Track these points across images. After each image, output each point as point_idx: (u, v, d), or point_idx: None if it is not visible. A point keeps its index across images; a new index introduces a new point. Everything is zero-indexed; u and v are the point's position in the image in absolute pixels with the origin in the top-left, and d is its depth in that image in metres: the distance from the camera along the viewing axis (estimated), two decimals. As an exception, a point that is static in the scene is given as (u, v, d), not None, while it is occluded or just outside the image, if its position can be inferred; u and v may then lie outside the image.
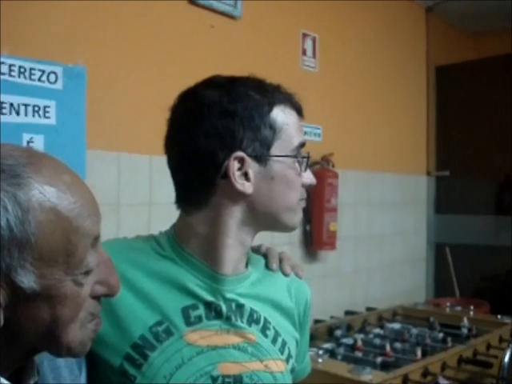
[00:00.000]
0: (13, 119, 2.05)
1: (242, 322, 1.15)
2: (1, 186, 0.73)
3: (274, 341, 1.19)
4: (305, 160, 1.18)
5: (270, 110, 1.13)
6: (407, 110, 4.25)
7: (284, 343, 1.21)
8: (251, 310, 1.17)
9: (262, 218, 1.17)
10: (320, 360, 2.42)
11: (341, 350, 2.75)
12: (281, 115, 1.14)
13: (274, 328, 1.20)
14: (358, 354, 2.75)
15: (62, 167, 0.82)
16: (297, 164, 1.16)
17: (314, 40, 3.39)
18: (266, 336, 1.17)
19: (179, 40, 2.65)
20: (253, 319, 1.17)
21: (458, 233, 4.32)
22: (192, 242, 1.16)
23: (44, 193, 0.75)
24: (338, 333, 3.02)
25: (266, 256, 1.31)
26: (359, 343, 2.84)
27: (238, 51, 2.88)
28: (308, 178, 1.20)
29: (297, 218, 1.20)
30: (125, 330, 1.08)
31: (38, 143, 2.11)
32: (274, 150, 1.13)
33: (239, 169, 1.11)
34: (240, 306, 1.16)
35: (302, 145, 1.18)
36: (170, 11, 2.60)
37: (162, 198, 2.43)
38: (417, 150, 4.40)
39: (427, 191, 4.49)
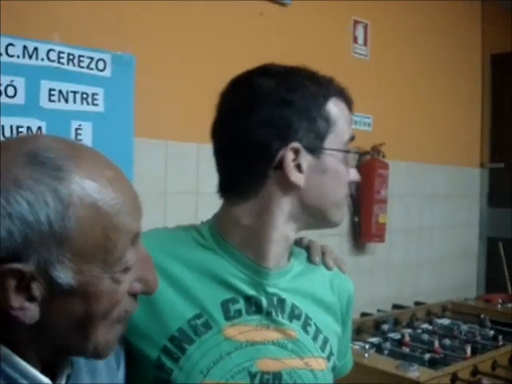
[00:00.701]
0: (61, 106, 2.06)
1: (283, 317, 1.12)
2: (42, 179, 0.71)
3: (315, 338, 1.15)
4: (354, 155, 1.18)
5: (326, 101, 1.11)
6: (461, 100, 4.13)
7: (325, 340, 1.17)
8: (292, 305, 1.14)
9: (311, 212, 1.13)
10: (366, 355, 2.38)
11: (388, 345, 2.70)
12: (335, 108, 1.11)
13: (315, 324, 1.16)
14: (406, 350, 2.70)
15: (104, 161, 0.80)
16: (345, 157, 1.14)
17: (365, 27, 3.32)
18: (306, 333, 1.14)
19: (228, 27, 2.62)
20: (294, 315, 1.13)
21: (511, 227, 4.19)
22: (235, 233, 1.13)
23: (85, 187, 0.73)
24: (385, 327, 2.97)
25: (307, 249, 1.27)
26: (407, 338, 2.79)
27: (287, 38, 2.84)
28: (353, 173, 1.18)
29: (342, 213, 1.18)
30: (163, 322, 1.07)
31: (86, 130, 2.11)
32: (328, 143, 1.11)
33: (293, 160, 1.08)
34: (281, 301, 1.13)
35: (352, 139, 1.16)
36: (218, -1, 2.58)
37: (209, 187, 2.36)
38: (470, 141, 4.27)
39: (480, 184, 4.36)
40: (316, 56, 2.83)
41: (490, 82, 4.40)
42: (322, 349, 1.16)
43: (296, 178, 1.09)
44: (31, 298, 0.72)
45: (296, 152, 1.08)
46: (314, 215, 1.15)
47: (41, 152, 0.73)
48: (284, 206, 1.12)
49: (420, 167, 3.74)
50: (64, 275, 0.72)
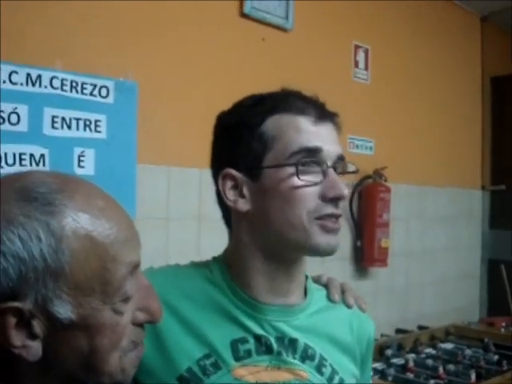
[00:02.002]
0: (64, 133, 2.06)
1: (295, 358, 1.08)
2: (34, 215, 0.71)
3: (331, 379, 1.11)
4: (311, 167, 1.04)
5: (262, 121, 1.06)
6: (461, 123, 4.14)
7: (341, 382, 1.12)
8: (305, 345, 1.10)
9: (267, 238, 1.08)
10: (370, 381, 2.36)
11: (391, 371, 2.68)
12: (274, 125, 1.06)
13: (330, 365, 1.12)
14: (410, 376, 2.68)
15: (95, 192, 0.80)
16: (294, 171, 1.03)
17: (366, 52, 3.33)
18: (321, 374, 1.10)
19: (230, 53, 2.63)
20: (307, 355, 1.09)
21: (513, 249, 4.18)
22: (235, 269, 1.12)
23: (78, 220, 0.73)
24: (389, 352, 2.94)
25: (326, 286, 1.23)
26: (411, 364, 2.77)
27: (289, 64, 2.85)
28: (332, 187, 1.04)
29: (315, 238, 1.03)
30: (171, 361, 1.05)
31: (89, 157, 2.11)
32: (266, 163, 1.05)
33: (234, 187, 1.08)
34: (293, 341, 1.09)
35: (309, 150, 1.04)
36: (220, 24, 2.59)
37: (211, 212, 2.37)
38: (471, 164, 4.28)
39: (482, 206, 4.35)
40: (317, 80, 2.84)
41: (490, 105, 4.42)
42: None
43: (235, 203, 1.08)
44: (33, 336, 0.72)
45: (233, 178, 1.07)
46: (274, 242, 1.07)
47: (32, 187, 0.73)
48: (242, 235, 1.10)
49: (421, 190, 3.74)
50: (63, 310, 0.72)
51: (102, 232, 0.75)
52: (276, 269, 1.09)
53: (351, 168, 1.15)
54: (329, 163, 1.05)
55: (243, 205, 1.07)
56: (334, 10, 3.12)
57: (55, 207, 0.72)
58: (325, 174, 1.05)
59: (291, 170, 1.03)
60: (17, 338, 0.71)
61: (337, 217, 1.06)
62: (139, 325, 0.82)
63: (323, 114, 1.08)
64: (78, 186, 0.78)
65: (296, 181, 1.03)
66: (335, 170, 1.07)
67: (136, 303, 0.81)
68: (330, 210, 1.04)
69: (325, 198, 1.04)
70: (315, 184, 1.04)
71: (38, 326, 0.71)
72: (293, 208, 1.03)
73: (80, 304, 0.73)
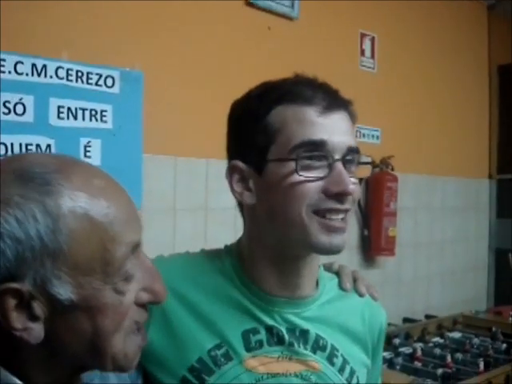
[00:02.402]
0: (70, 123, 2.06)
1: (306, 348, 1.07)
2: (30, 195, 0.70)
3: (342, 369, 1.10)
4: (312, 162, 0.99)
5: (267, 112, 1.03)
6: (469, 112, 4.12)
7: (352, 372, 1.11)
8: (317, 336, 1.09)
9: (272, 234, 1.05)
10: (379, 371, 2.36)
11: (399, 360, 2.67)
12: (277, 116, 1.02)
13: (342, 356, 1.11)
14: (418, 365, 2.68)
15: (94, 172, 0.79)
16: (294, 166, 0.99)
17: (372, 40, 3.31)
18: (332, 364, 1.09)
19: (236, 42, 2.62)
20: (318, 346, 1.08)
21: (521, 238, 4.16)
22: (244, 259, 1.11)
23: (75, 199, 0.72)
24: (397, 341, 2.94)
25: (338, 275, 1.21)
26: (418, 353, 2.77)
27: (295, 52, 2.83)
28: (336, 182, 0.99)
29: (316, 236, 1.00)
30: (182, 351, 1.04)
31: (95, 147, 2.11)
32: (270, 156, 1.02)
33: (241, 179, 1.06)
34: (304, 332, 1.08)
35: (312, 144, 0.99)
36: (226, 14, 2.58)
37: (218, 203, 2.39)
38: (479, 153, 4.25)
39: (489, 195, 4.33)
40: (323, 69, 2.81)
41: (497, 93, 4.39)
42: (349, 380, 1.10)
43: (241, 196, 1.06)
44: (34, 318, 0.71)
45: (240, 171, 1.06)
46: (281, 239, 1.05)
47: (29, 168, 0.73)
48: (255, 229, 1.09)
49: (429, 179, 3.72)
50: (63, 290, 0.71)
51: (101, 211, 0.74)
52: (284, 264, 1.08)
53: (366, 159, 1.10)
54: (336, 156, 1.00)
55: (249, 198, 1.06)
56: (340, -2, 3.11)
57: (52, 187, 0.72)
58: (331, 167, 0.99)
59: (293, 164, 0.99)
60: (17, 321, 0.70)
61: (339, 212, 1.01)
62: (142, 305, 0.81)
63: (333, 102, 1.02)
64: (75, 167, 0.77)
65: (296, 177, 0.99)
66: (346, 162, 1.01)
67: (139, 283, 0.80)
68: (332, 205, 0.99)
69: (328, 193, 0.99)
70: (319, 179, 0.99)
71: (38, 308, 0.71)
72: (293, 204, 1.00)
73: (80, 284, 0.72)
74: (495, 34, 4.36)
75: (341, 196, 0.99)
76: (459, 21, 4.03)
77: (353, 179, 1.02)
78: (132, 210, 0.80)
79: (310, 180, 0.99)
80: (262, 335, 1.06)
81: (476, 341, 3.05)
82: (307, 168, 0.99)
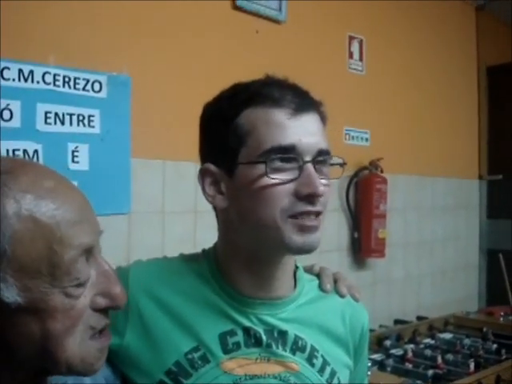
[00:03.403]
0: (58, 129, 2.05)
1: (285, 349, 1.07)
2: None
3: (322, 370, 1.10)
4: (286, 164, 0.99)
5: (237, 113, 1.03)
6: (458, 113, 4.13)
7: (333, 373, 1.11)
8: (296, 336, 1.09)
9: (245, 237, 1.05)
10: (369, 372, 2.35)
11: (390, 362, 2.67)
12: (249, 118, 1.02)
13: (322, 356, 1.11)
14: (409, 366, 2.67)
15: (45, 174, 0.78)
16: (265, 169, 0.98)
17: (360, 42, 3.32)
18: (312, 365, 1.09)
19: (224, 46, 2.62)
20: (297, 347, 1.08)
21: (511, 238, 4.17)
22: (219, 262, 1.11)
23: (20, 200, 0.72)
24: (388, 343, 2.94)
25: (319, 276, 1.21)
26: (409, 354, 2.77)
27: (283, 56, 2.84)
28: (306, 184, 0.99)
29: (290, 237, 0.99)
30: (159, 355, 1.04)
31: (83, 152, 2.11)
32: (240, 159, 1.02)
33: (213, 182, 1.06)
34: (282, 333, 1.08)
35: (281, 148, 0.99)
36: (213, 17, 2.58)
37: (207, 206, 2.37)
38: (468, 154, 4.27)
39: (479, 195, 4.35)
40: (312, 72, 2.84)
41: (486, 94, 4.41)
42: (329, 381, 1.10)
43: (212, 199, 1.06)
44: None
45: (212, 174, 1.05)
46: (254, 242, 1.04)
47: None
48: (229, 232, 1.09)
49: (418, 180, 3.74)
50: (9, 293, 0.70)
51: (46, 212, 0.73)
52: (258, 266, 1.07)
53: (337, 160, 1.08)
54: (307, 158, 1.00)
55: (221, 202, 1.05)
56: (327, 1, 3.11)
57: None
58: (301, 169, 0.99)
59: (263, 167, 0.98)
60: None
61: (313, 214, 1.01)
62: (100, 310, 0.80)
63: (302, 104, 1.02)
64: (26, 168, 0.76)
65: (266, 180, 0.99)
66: (317, 164, 1.01)
67: (95, 288, 0.79)
68: (303, 207, 0.99)
69: (299, 196, 0.99)
70: (289, 181, 0.99)
71: None
72: (265, 207, 0.99)
73: (27, 287, 0.71)
74: (484, 34, 4.38)
75: (311, 197, 0.99)
76: (448, 22, 4.05)
77: (324, 181, 1.02)
78: (85, 212, 0.79)
79: (280, 183, 0.99)
80: (240, 337, 1.05)
81: (467, 341, 3.06)
82: (278, 170, 0.99)
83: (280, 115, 1.00)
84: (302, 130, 1.00)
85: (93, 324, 0.79)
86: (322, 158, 1.02)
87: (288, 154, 0.99)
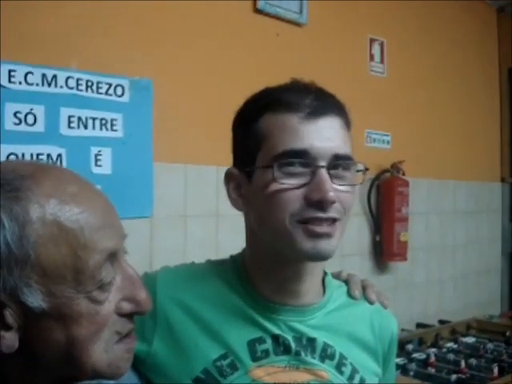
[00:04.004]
0: (81, 133, 2.06)
1: (314, 357, 1.06)
2: None
3: (351, 378, 1.08)
4: (293, 169, 0.98)
5: (257, 118, 1.03)
6: (479, 115, 4.10)
7: (362, 381, 1.09)
8: (324, 344, 1.07)
9: (263, 240, 1.05)
10: (393, 377, 2.34)
11: (413, 366, 2.65)
12: (266, 123, 1.01)
13: (351, 364, 1.09)
14: (431, 371, 2.65)
15: (68, 178, 0.77)
16: (279, 174, 0.97)
17: (381, 45, 3.30)
18: (341, 373, 1.07)
19: (245, 49, 2.62)
20: (326, 354, 1.07)
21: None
22: (247, 268, 1.11)
23: (44, 205, 0.71)
24: (410, 347, 2.92)
25: (347, 283, 1.20)
26: (432, 358, 2.74)
27: (304, 58, 2.83)
28: (316, 190, 0.96)
29: (300, 243, 0.98)
30: (187, 362, 1.03)
31: (106, 156, 2.12)
32: (257, 163, 1.02)
33: (237, 186, 1.07)
34: (311, 340, 1.07)
35: (293, 153, 0.98)
36: (235, 21, 2.58)
37: (229, 209, 2.36)
38: (490, 156, 4.23)
39: (501, 198, 4.31)
40: (333, 75, 2.83)
41: (507, 96, 4.37)
42: None
43: (235, 202, 1.07)
44: (6, 326, 0.70)
45: (235, 178, 1.06)
46: (268, 244, 1.04)
47: (1, 175, 0.72)
48: (252, 237, 1.09)
49: (440, 184, 3.71)
50: (33, 298, 0.70)
51: (71, 217, 0.72)
52: (282, 271, 1.06)
53: (359, 167, 1.05)
54: (321, 163, 0.98)
55: (242, 205, 1.06)
56: (348, 3, 3.10)
57: (20, 193, 0.70)
58: (313, 174, 0.97)
59: (274, 172, 0.98)
60: None
61: (323, 220, 0.98)
62: (126, 315, 0.79)
63: (319, 108, 1.00)
64: (48, 172, 0.76)
65: (275, 184, 0.98)
66: (333, 169, 0.99)
67: (120, 293, 0.78)
68: (312, 213, 0.97)
69: (309, 201, 0.97)
70: (300, 186, 0.97)
71: (10, 316, 0.69)
72: (275, 212, 0.98)
73: (51, 292, 0.71)
74: (505, 36, 4.33)
75: (321, 204, 0.97)
76: (468, 24, 4.02)
77: (342, 187, 1.00)
78: (109, 216, 0.78)
79: (290, 187, 0.97)
80: (268, 344, 1.04)
81: (490, 346, 3.03)
82: (289, 175, 0.98)
83: (294, 120, 0.99)
84: (316, 135, 0.99)
85: (118, 329, 0.78)
86: (339, 163, 1.00)
87: (300, 158, 0.98)
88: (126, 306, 0.79)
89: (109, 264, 0.76)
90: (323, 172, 0.97)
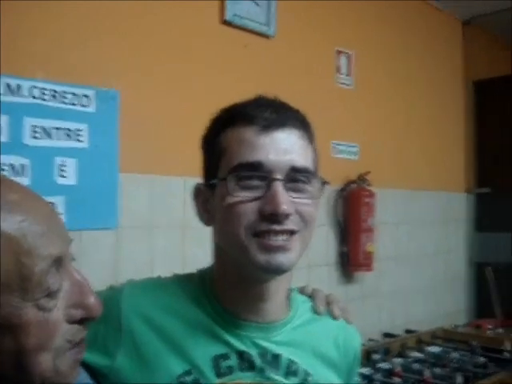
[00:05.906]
0: (45, 143, 2.04)
1: (278, 374, 1.05)
2: None
3: None
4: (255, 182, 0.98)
5: (219, 133, 1.04)
6: (445, 127, 4.16)
7: None
8: (289, 361, 1.07)
9: (226, 257, 1.05)
10: (357, 387, 2.35)
11: (378, 376, 2.68)
12: (225, 138, 1.02)
13: (314, 380, 1.08)
14: (397, 380, 2.68)
15: (10, 187, 0.76)
16: (234, 187, 0.98)
17: (348, 57, 3.34)
18: None
19: (213, 61, 2.63)
20: (290, 371, 1.06)
21: (499, 252, 4.18)
22: (215, 283, 1.10)
23: None
24: (376, 357, 2.94)
25: (311, 298, 1.20)
26: (398, 368, 2.77)
27: (272, 70, 2.85)
28: (269, 203, 0.96)
29: (254, 256, 0.97)
30: (151, 378, 1.01)
31: (71, 167, 2.10)
32: (218, 176, 1.02)
33: (204, 201, 1.07)
34: (276, 357, 1.06)
35: (247, 165, 0.98)
36: (202, 32, 2.59)
37: (196, 221, 2.36)
38: (456, 168, 4.30)
39: (467, 209, 4.37)
40: (300, 86, 2.85)
41: (473, 108, 4.44)
42: None
43: (201, 217, 1.08)
44: None
45: (202, 193, 1.08)
46: (230, 259, 1.04)
47: None
48: (216, 252, 1.10)
49: (407, 194, 3.75)
50: None
51: (12, 225, 0.71)
52: (246, 287, 1.06)
53: (320, 180, 1.05)
54: (277, 176, 0.97)
55: (207, 220, 1.07)
56: (316, 16, 3.13)
57: None
58: (268, 187, 0.97)
59: (229, 185, 0.98)
60: None
61: (278, 233, 0.97)
62: (76, 322, 0.78)
63: (276, 120, 1.00)
64: None
65: (230, 197, 0.98)
66: (289, 182, 0.99)
67: (68, 299, 0.77)
68: (266, 226, 0.97)
69: (262, 214, 0.97)
70: (254, 199, 0.97)
71: None
72: (231, 226, 0.98)
73: None
74: (470, 49, 4.41)
75: (275, 216, 0.96)
76: (435, 36, 4.08)
77: (302, 200, 1.00)
78: (53, 222, 0.78)
79: (244, 200, 0.97)
80: (233, 361, 1.03)
81: (455, 355, 3.07)
82: (245, 188, 0.98)
83: (250, 133, 1.00)
84: (272, 147, 0.99)
85: (69, 337, 0.77)
86: (297, 175, 1.00)
87: (255, 171, 0.98)
88: (76, 313, 0.78)
89: (55, 270, 0.75)
90: (278, 184, 0.97)
